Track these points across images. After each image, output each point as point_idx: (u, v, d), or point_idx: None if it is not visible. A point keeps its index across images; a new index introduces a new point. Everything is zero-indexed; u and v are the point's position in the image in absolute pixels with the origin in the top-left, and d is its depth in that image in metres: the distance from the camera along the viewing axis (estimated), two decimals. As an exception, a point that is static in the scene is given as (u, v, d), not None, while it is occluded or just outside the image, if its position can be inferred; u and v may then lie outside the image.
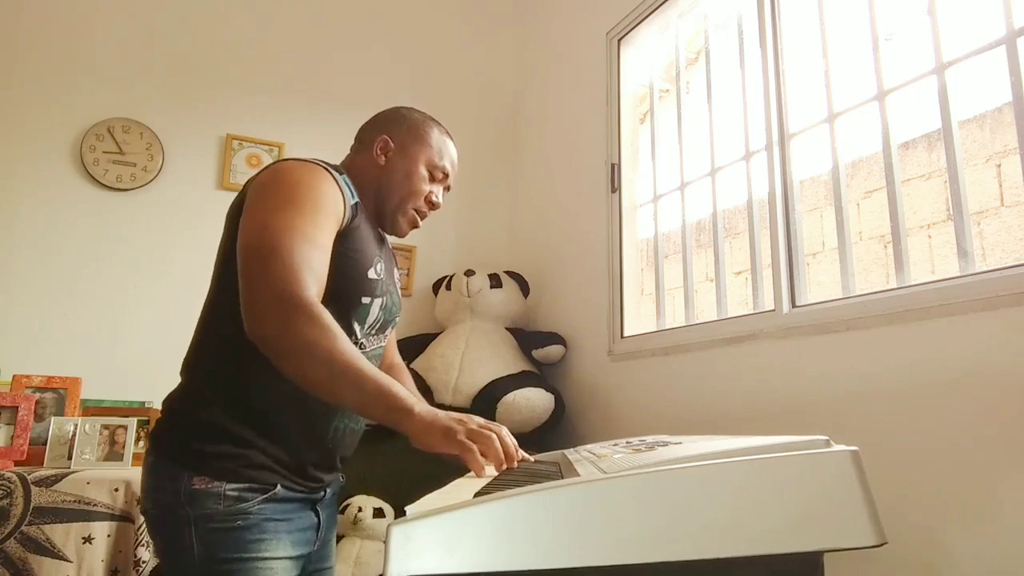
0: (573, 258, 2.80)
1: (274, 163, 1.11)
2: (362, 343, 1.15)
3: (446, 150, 1.27)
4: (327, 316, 0.94)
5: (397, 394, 0.92)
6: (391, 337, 1.38)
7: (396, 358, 1.43)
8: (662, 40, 2.65)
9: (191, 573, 1.00)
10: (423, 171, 1.23)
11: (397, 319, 1.27)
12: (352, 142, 1.29)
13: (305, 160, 1.11)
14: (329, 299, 1.02)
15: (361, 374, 0.92)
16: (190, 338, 1.14)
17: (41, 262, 2.56)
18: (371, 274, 1.14)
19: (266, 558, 1.01)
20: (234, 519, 1.00)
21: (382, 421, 0.92)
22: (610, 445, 1.02)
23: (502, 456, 0.89)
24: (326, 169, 1.10)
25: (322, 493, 1.16)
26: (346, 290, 1.09)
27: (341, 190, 1.10)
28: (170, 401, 1.10)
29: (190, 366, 1.11)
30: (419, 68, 3.32)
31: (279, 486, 1.05)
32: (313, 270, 0.99)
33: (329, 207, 1.06)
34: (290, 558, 1.06)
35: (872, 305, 1.57)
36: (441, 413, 0.92)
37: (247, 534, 1.00)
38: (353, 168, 1.22)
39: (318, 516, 1.14)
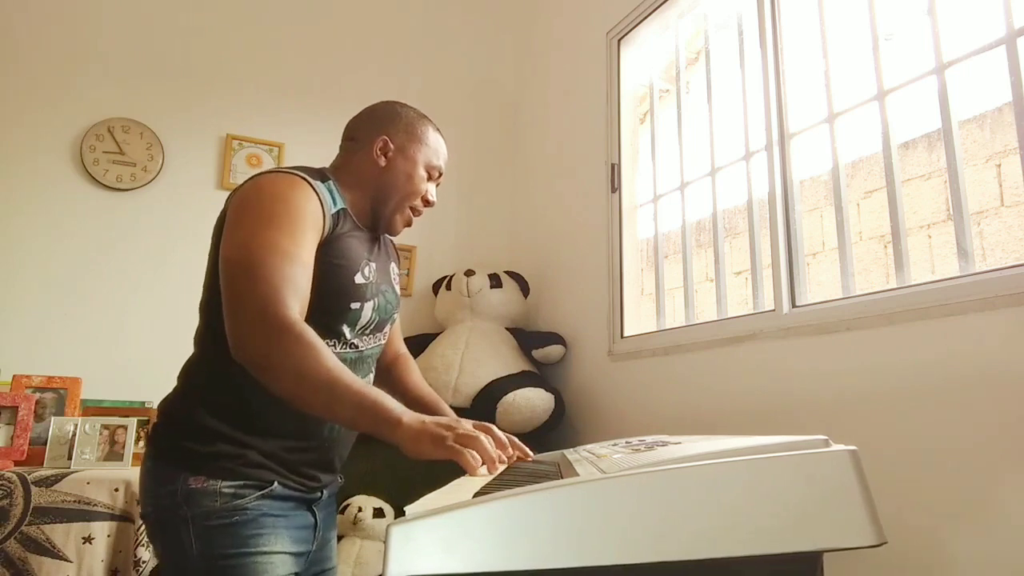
0: (573, 258, 2.80)
1: (253, 177, 1.10)
2: (354, 343, 1.15)
3: (440, 148, 1.28)
4: (310, 333, 0.94)
5: (385, 405, 0.91)
6: (395, 329, 1.38)
7: (401, 348, 1.44)
8: (662, 40, 2.64)
9: (191, 572, 1.00)
10: (422, 171, 1.24)
11: (395, 315, 1.27)
12: (342, 139, 1.28)
13: (283, 171, 1.09)
14: (317, 308, 1.02)
15: (348, 389, 0.91)
16: (190, 338, 1.14)
17: (41, 262, 2.56)
18: (358, 279, 1.13)
19: (265, 552, 1.02)
20: (231, 515, 1.00)
21: (372, 433, 0.91)
22: (610, 445, 1.03)
23: (494, 455, 0.89)
24: (304, 179, 1.09)
25: (319, 494, 1.16)
26: (334, 298, 1.09)
27: (321, 200, 1.09)
28: (166, 405, 1.11)
29: (186, 372, 1.12)
30: (419, 68, 3.32)
31: (276, 483, 1.06)
32: (295, 287, 0.98)
33: (308, 220, 1.05)
34: (289, 553, 1.06)
35: (872, 305, 1.57)
36: (429, 420, 0.91)
37: (244, 529, 1.01)
38: (348, 168, 1.21)
39: (315, 516, 1.14)
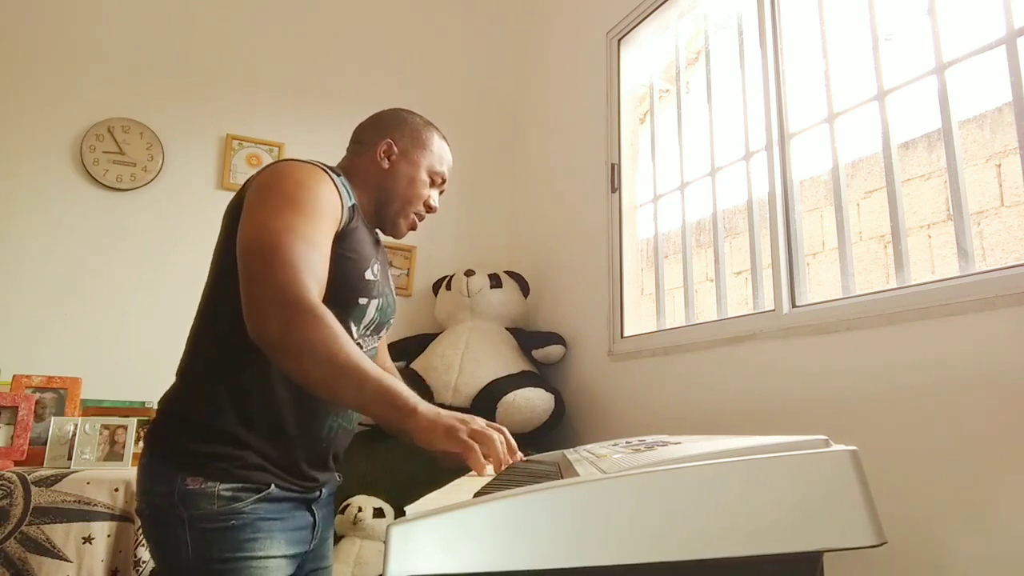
0: (573, 258, 2.80)
1: (274, 163, 1.11)
2: (359, 343, 1.16)
3: (445, 155, 1.29)
4: (330, 316, 0.95)
5: (400, 393, 0.92)
6: (382, 341, 1.38)
7: (387, 361, 1.44)
8: (662, 40, 2.64)
9: (185, 573, 1.00)
10: (424, 177, 1.25)
11: (392, 320, 1.28)
12: (349, 142, 1.30)
13: (305, 161, 1.11)
14: (327, 300, 1.03)
15: (365, 373, 0.92)
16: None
17: (41, 262, 2.56)
18: (368, 275, 1.14)
19: (260, 557, 1.02)
20: (228, 519, 1.00)
21: (385, 420, 0.93)
22: (610, 445, 1.03)
23: (503, 457, 0.90)
24: (325, 171, 1.11)
25: (318, 493, 1.16)
26: (344, 291, 1.09)
27: (339, 192, 1.11)
28: (165, 402, 1.11)
29: (185, 366, 1.12)
30: (419, 68, 3.32)
31: (273, 486, 1.06)
32: (314, 271, 0.99)
33: (328, 209, 1.06)
34: (284, 557, 1.06)
35: (872, 305, 1.57)
36: (444, 412, 0.93)
37: (240, 533, 1.01)
38: (353, 169, 1.22)
39: (314, 516, 1.14)
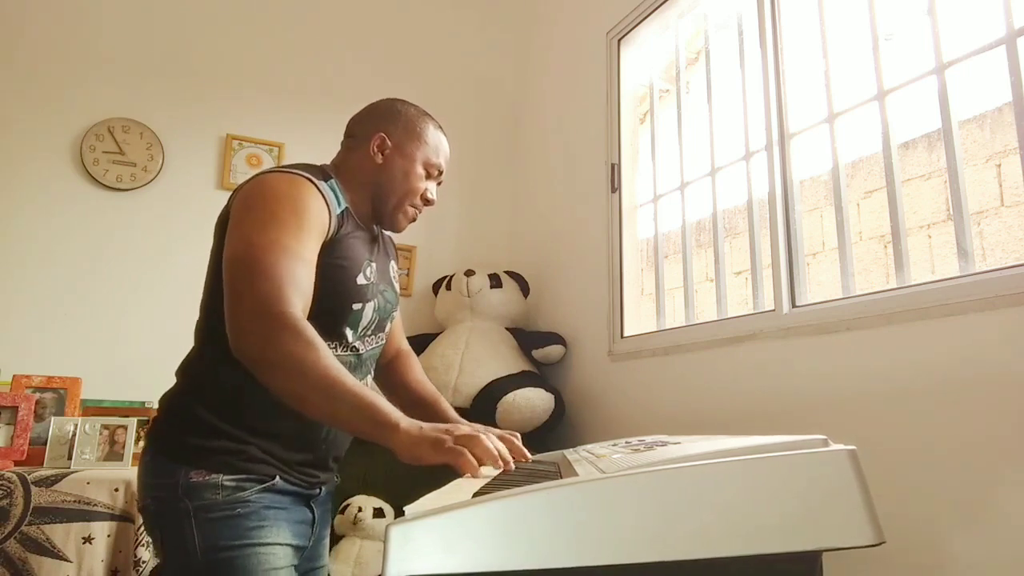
0: (573, 258, 2.80)
1: (257, 175, 1.10)
2: (355, 346, 1.15)
3: (441, 146, 1.26)
4: (311, 331, 0.94)
5: (382, 409, 0.90)
6: (396, 325, 1.36)
7: (403, 344, 1.42)
8: (662, 40, 2.64)
9: (192, 564, 1.00)
10: (420, 169, 1.22)
11: (394, 314, 1.27)
12: (343, 137, 1.27)
13: (288, 171, 1.09)
14: (319, 309, 1.02)
15: (346, 390, 0.91)
16: (190, 338, 1.14)
17: (41, 262, 2.56)
18: (360, 280, 1.13)
19: (267, 543, 1.02)
20: (233, 507, 1.01)
21: (367, 437, 0.91)
22: (609, 445, 1.03)
23: (495, 454, 0.87)
24: (309, 180, 1.09)
25: (318, 490, 1.16)
26: (336, 299, 1.09)
27: (326, 201, 1.09)
28: (167, 400, 1.11)
29: (187, 368, 1.12)
30: (419, 68, 3.32)
31: (278, 477, 1.06)
32: (298, 285, 0.98)
33: (313, 220, 1.05)
34: (290, 545, 1.07)
35: (872, 305, 1.57)
36: (427, 426, 0.90)
37: (246, 521, 1.01)
38: (346, 166, 1.21)
39: (313, 512, 1.14)
